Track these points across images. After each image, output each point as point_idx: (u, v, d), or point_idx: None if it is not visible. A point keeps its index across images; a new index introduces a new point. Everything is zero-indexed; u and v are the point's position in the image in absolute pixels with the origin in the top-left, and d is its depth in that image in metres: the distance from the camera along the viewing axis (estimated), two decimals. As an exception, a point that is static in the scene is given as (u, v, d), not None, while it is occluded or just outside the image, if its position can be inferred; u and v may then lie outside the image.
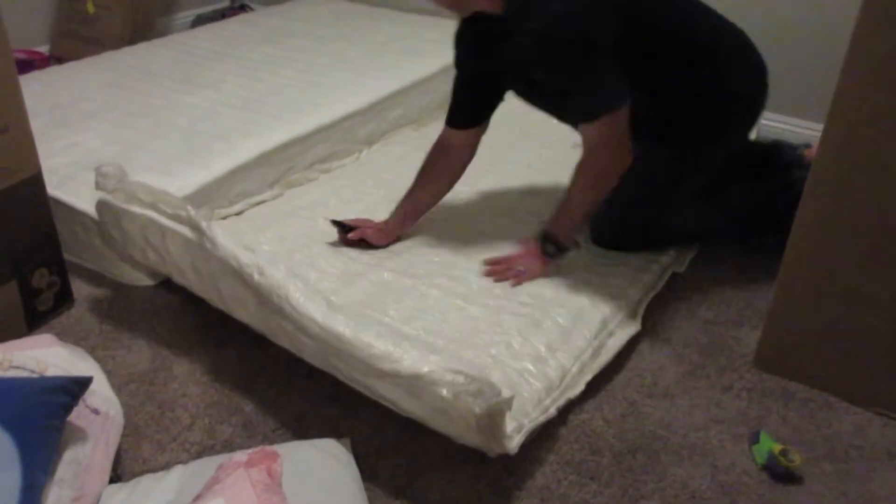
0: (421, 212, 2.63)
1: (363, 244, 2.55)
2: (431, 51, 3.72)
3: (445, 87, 3.58)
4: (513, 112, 3.38)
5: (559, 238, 2.37)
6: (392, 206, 2.71)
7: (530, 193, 2.88)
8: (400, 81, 3.41)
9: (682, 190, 2.55)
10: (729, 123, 2.50)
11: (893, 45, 1.74)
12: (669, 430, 2.04)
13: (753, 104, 2.53)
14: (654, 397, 2.14)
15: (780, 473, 1.89)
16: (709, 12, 2.43)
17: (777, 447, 1.89)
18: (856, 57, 1.80)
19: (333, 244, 2.57)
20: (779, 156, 2.72)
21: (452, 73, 3.66)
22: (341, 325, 1.76)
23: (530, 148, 3.21)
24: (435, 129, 3.39)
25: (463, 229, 2.65)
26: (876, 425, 2.06)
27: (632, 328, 2.29)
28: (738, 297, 2.51)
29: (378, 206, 2.77)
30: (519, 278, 2.38)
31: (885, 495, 1.87)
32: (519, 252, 2.46)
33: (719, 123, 2.47)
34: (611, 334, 2.23)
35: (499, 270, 2.41)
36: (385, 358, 1.69)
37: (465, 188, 2.88)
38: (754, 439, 1.97)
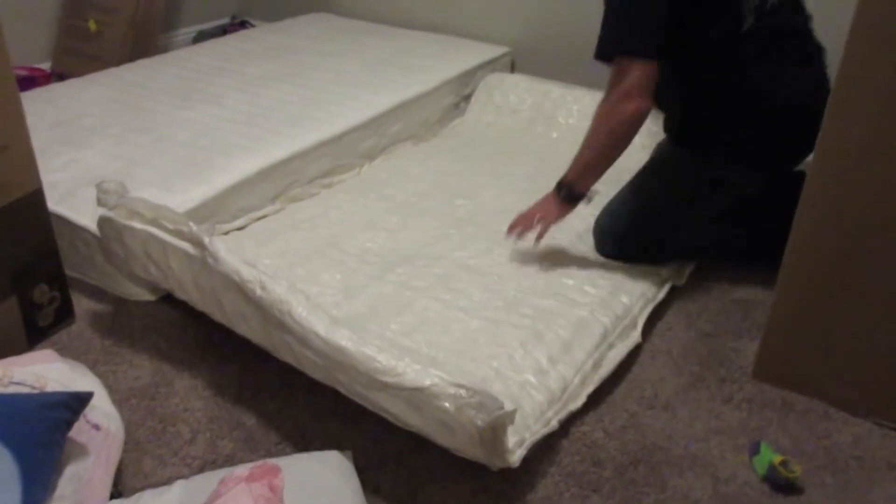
0: None
1: None
2: (430, 66, 3.73)
3: (444, 102, 3.62)
4: (513, 126, 3.40)
5: (571, 182, 2.42)
6: (395, 218, 2.78)
7: (528, 203, 2.88)
8: (400, 96, 3.42)
9: (699, 211, 2.58)
10: (763, 160, 2.49)
11: (886, 53, 1.75)
12: (670, 442, 2.04)
13: (793, 160, 2.56)
14: (655, 409, 2.14)
15: (781, 484, 1.90)
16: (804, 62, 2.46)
17: (777, 458, 1.89)
18: (849, 66, 1.81)
19: None
20: None
21: (450, 87, 3.70)
22: (344, 339, 1.76)
23: (529, 161, 3.22)
24: (435, 143, 3.43)
25: (463, 241, 2.66)
26: (875, 436, 2.06)
27: (632, 340, 2.30)
28: (736, 308, 2.52)
29: (381, 218, 2.79)
30: (540, 228, 2.45)
31: (885, 506, 1.88)
32: (536, 203, 2.52)
33: (753, 157, 2.47)
34: (611, 346, 2.24)
35: (519, 222, 2.49)
36: (387, 371, 1.70)
37: (465, 201, 2.90)
38: (755, 450, 1.97)
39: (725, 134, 2.44)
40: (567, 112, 3.51)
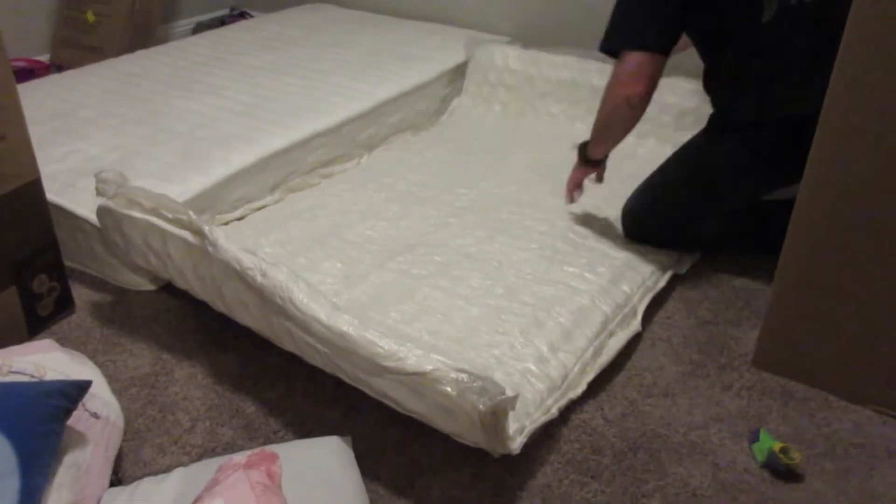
0: None
1: None
2: (430, 56, 3.73)
3: (443, 92, 3.61)
4: (512, 115, 3.39)
5: (586, 144, 2.56)
6: (395, 207, 2.78)
7: (530, 193, 2.89)
8: (399, 87, 3.42)
9: (723, 202, 2.57)
10: (779, 159, 2.41)
11: (883, 46, 1.75)
12: (670, 429, 2.04)
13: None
14: (654, 396, 2.14)
15: (781, 471, 1.90)
16: None
17: (777, 445, 1.89)
18: (846, 60, 1.81)
19: None
20: None
21: (449, 77, 3.69)
22: (346, 324, 1.76)
23: (529, 151, 3.22)
24: (435, 132, 3.42)
25: (463, 229, 2.67)
26: (875, 423, 2.06)
27: (632, 328, 2.30)
28: (736, 296, 2.52)
29: (381, 208, 2.79)
30: (567, 189, 2.67)
31: (885, 493, 1.87)
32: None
33: (770, 154, 2.42)
34: (611, 334, 2.24)
35: (567, 187, 2.68)
36: (390, 356, 1.69)
37: (466, 190, 2.90)
38: (754, 438, 1.97)
39: (746, 130, 2.42)
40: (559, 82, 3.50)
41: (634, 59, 2.29)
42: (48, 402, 1.58)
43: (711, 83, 2.50)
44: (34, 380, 1.71)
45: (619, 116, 2.38)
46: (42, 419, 1.56)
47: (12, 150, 2.16)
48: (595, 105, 2.46)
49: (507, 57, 3.66)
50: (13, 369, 1.71)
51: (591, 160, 2.57)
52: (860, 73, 1.80)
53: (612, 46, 2.36)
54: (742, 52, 2.32)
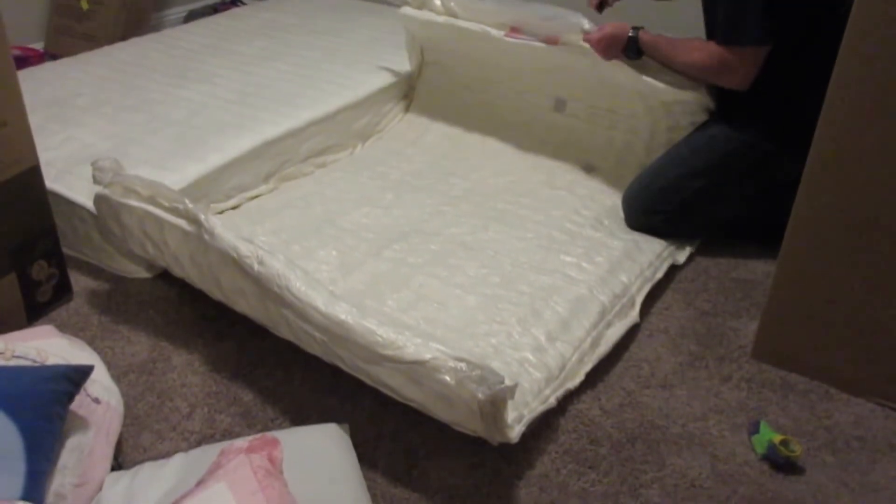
0: None
1: None
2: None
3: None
4: (507, 111, 3.38)
5: (642, 47, 2.61)
6: (389, 195, 2.78)
7: (523, 184, 2.89)
8: (393, 75, 3.41)
9: (738, 188, 2.58)
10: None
11: (885, 43, 1.75)
12: (668, 420, 2.04)
13: None
14: (652, 387, 2.14)
15: (781, 463, 1.90)
16: None
17: (777, 437, 1.89)
18: (848, 54, 1.81)
19: None
20: None
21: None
22: (344, 313, 1.75)
23: (524, 144, 3.20)
24: (429, 122, 3.39)
25: (458, 218, 2.67)
26: (877, 416, 2.06)
27: (630, 318, 2.29)
28: (735, 288, 2.52)
29: (375, 196, 2.79)
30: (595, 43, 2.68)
31: (887, 486, 1.87)
32: (613, 28, 2.65)
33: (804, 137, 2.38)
34: (609, 324, 2.24)
35: (599, 32, 2.67)
36: (388, 345, 1.69)
37: (459, 180, 2.89)
38: (754, 429, 1.97)
39: (788, 108, 2.45)
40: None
41: (755, 56, 2.38)
42: (52, 387, 1.59)
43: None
44: (37, 364, 1.71)
45: (702, 76, 2.51)
46: (47, 403, 1.57)
47: (13, 137, 2.15)
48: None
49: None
50: (16, 354, 1.71)
51: (635, 56, 2.64)
52: (861, 72, 1.81)
53: (740, 41, 2.37)
54: (823, 38, 2.28)
